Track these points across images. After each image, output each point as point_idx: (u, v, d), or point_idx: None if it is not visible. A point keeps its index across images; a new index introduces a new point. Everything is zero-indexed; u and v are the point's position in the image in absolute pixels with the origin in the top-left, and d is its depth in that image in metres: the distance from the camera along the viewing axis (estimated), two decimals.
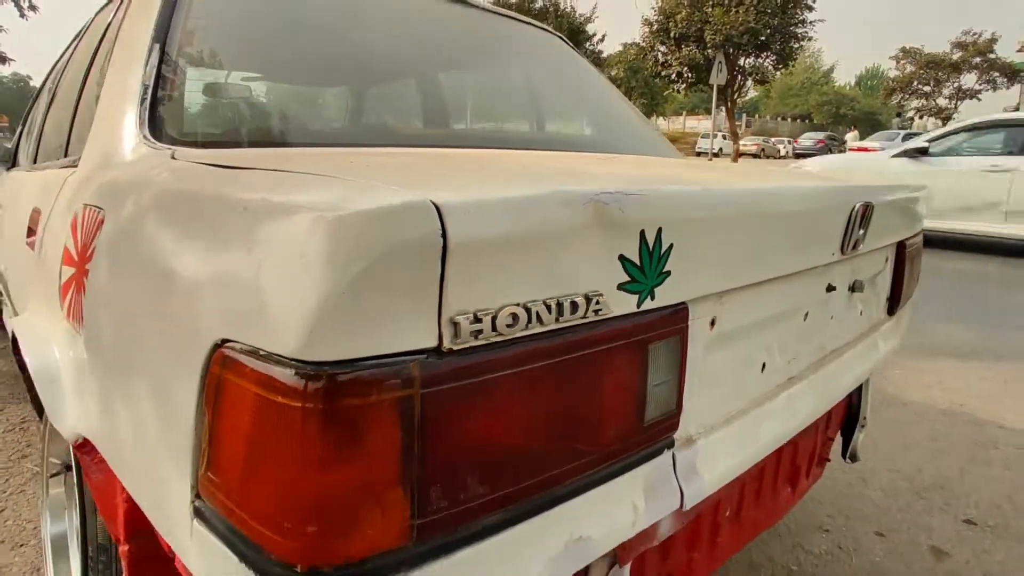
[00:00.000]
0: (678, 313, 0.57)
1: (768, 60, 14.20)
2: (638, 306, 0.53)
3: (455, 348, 0.42)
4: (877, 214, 0.91)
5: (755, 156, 28.35)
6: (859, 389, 1.28)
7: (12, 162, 2.23)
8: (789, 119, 48.43)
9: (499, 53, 1.50)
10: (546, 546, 0.50)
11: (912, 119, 29.38)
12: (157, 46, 0.92)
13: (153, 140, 0.82)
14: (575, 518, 0.52)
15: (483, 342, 0.43)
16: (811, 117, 49.02)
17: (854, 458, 1.34)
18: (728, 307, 0.67)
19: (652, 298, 0.54)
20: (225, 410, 0.44)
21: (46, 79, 2.15)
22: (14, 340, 1.09)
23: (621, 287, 0.51)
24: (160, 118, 0.86)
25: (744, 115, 45.13)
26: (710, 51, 13.45)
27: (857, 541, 1.54)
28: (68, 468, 1.16)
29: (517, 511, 0.48)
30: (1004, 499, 1.76)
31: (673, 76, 14.67)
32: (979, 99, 26.33)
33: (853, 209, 0.82)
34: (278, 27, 1.08)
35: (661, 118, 44.67)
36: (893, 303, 1.21)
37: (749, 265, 0.67)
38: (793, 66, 15.24)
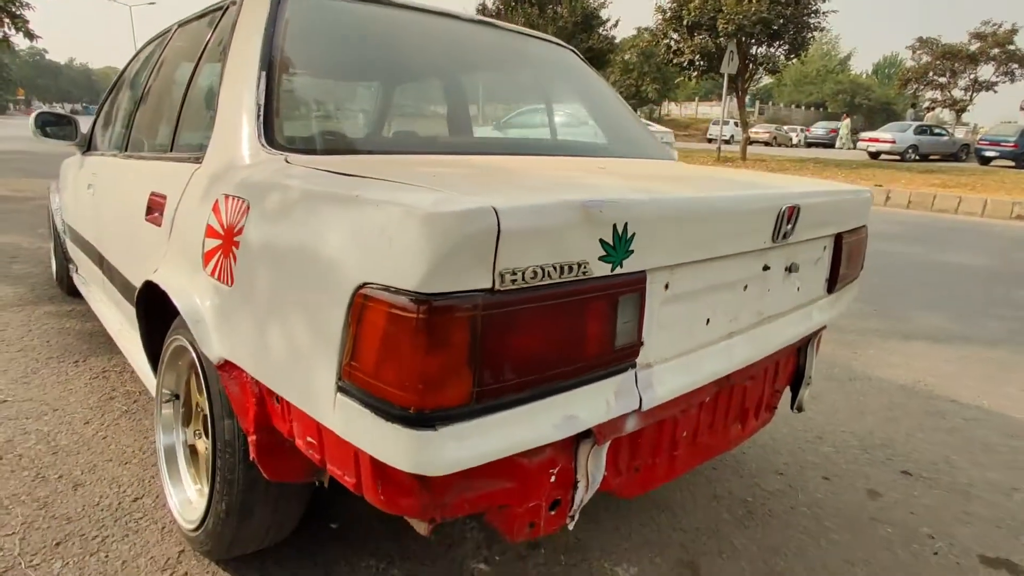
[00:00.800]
0: (639, 278, 0.88)
1: (780, 50, 14.25)
2: (611, 271, 0.84)
3: (501, 289, 0.73)
4: (805, 214, 1.20)
5: (767, 144, 28.26)
6: (805, 351, 1.59)
7: (87, 146, 2.54)
8: (803, 107, 48.02)
9: (532, 75, 1.80)
10: (550, 417, 0.82)
11: (926, 110, 29.17)
12: (264, 73, 1.23)
13: (269, 147, 1.14)
14: (569, 403, 0.84)
15: (517, 287, 0.74)
16: (826, 105, 48.61)
17: (800, 409, 1.64)
18: (678, 276, 0.97)
19: (621, 267, 0.85)
20: (365, 323, 0.75)
21: (122, 74, 2.45)
22: (143, 291, 1.41)
23: (600, 259, 0.82)
24: (272, 130, 1.17)
25: (757, 102, 44.84)
26: (722, 40, 13.55)
27: (805, 483, 1.85)
28: (176, 397, 1.49)
29: (533, 393, 0.80)
30: (941, 459, 2.06)
31: (685, 63, 14.75)
32: (995, 91, 26.11)
33: (780, 210, 1.12)
34: (357, 60, 1.38)
35: (673, 104, 44.47)
36: (832, 283, 1.50)
37: (693, 248, 0.97)
38: (805, 56, 15.23)
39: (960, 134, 25.99)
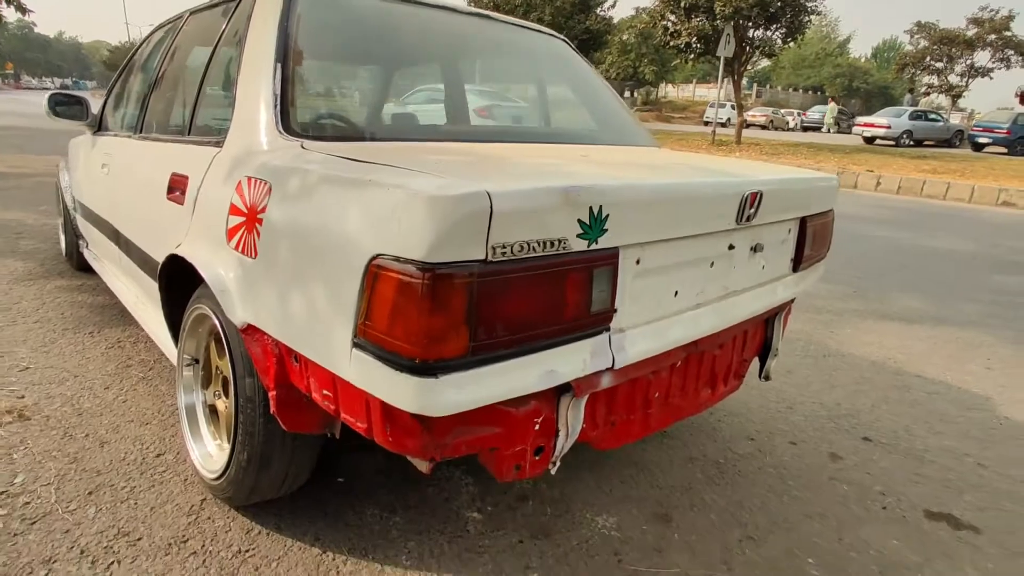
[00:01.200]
0: (612, 253, 1.02)
1: (777, 33, 14.24)
2: (588, 247, 0.97)
3: (492, 260, 0.86)
4: (767, 199, 1.34)
5: (763, 127, 28.28)
6: (772, 324, 1.74)
7: (98, 126, 2.64)
8: (801, 90, 47.85)
9: (525, 66, 1.92)
10: (534, 370, 0.96)
11: (923, 95, 29.17)
12: (279, 65, 1.34)
13: (286, 134, 1.26)
14: (550, 359, 0.98)
15: (506, 258, 0.87)
16: (823, 89, 48.45)
17: (767, 377, 1.80)
18: (649, 252, 1.11)
19: (596, 243, 0.98)
20: (378, 288, 0.88)
21: (132, 58, 2.55)
22: (167, 264, 1.54)
23: (578, 236, 0.95)
24: (288, 118, 1.29)
25: (755, 85, 44.63)
26: (719, 22, 13.54)
27: (774, 447, 2.01)
28: (196, 361, 1.62)
29: (520, 349, 0.94)
30: (901, 427, 2.22)
31: (682, 46, 14.72)
32: (991, 77, 26.16)
33: (744, 196, 1.26)
34: (364, 52, 1.50)
35: (671, 85, 44.24)
36: (797, 263, 1.64)
37: (662, 228, 1.11)
38: (802, 40, 15.22)
39: (956, 120, 26.06)
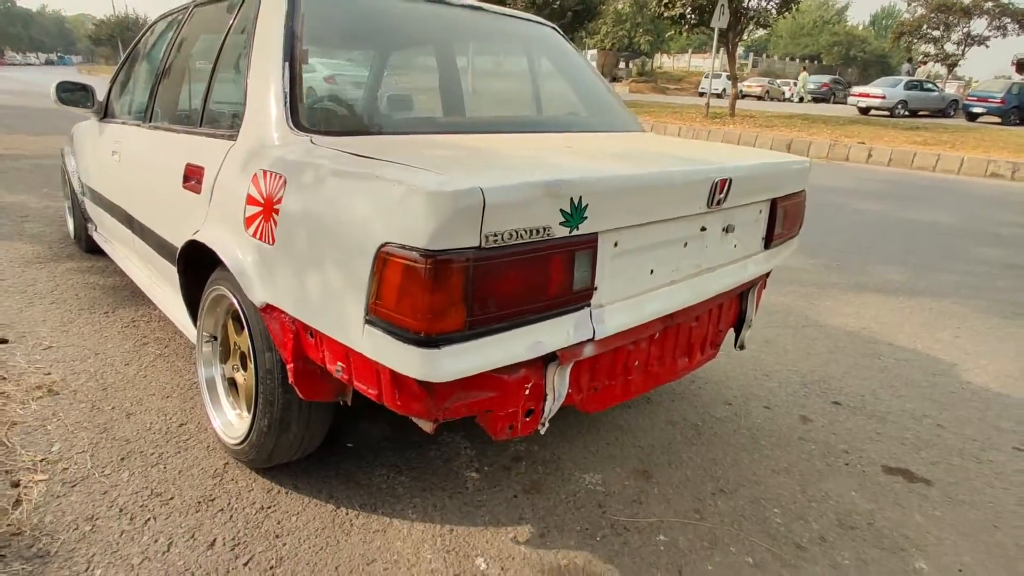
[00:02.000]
0: (591, 238, 1.15)
1: (772, 3, 14.14)
2: (569, 233, 1.10)
3: (486, 247, 1.00)
4: (736, 185, 1.47)
5: (759, 98, 28.12)
6: (746, 298, 1.88)
7: (104, 113, 2.72)
8: (798, 60, 47.38)
9: (518, 57, 2.03)
10: (523, 341, 1.10)
11: (920, 63, 29.00)
12: (287, 64, 1.45)
13: (296, 130, 1.38)
14: (538, 332, 1.12)
15: (497, 245, 1.01)
16: (820, 58, 47.99)
17: (742, 347, 1.95)
18: (625, 235, 1.24)
19: (577, 230, 1.11)
20: (386, 272, 1.02)
21: (135, 47, 2.62)
22: (185, 249, 1.66)
23: (560, 224, 1.08)
24: (297, 115, 1.40)
25: (751, 55, 44.18)
26: None
27: (749, 411, 2.18)
28: (214, 338, 1.76)
29: (510, 324, 1.08)
30: (869, 392, 2.39)
31: (676, 16, 14.60)
32: (987, 46, 26.03)
33: (714, 182, 1.38)
34: (366, 49, 1.60)
35: (666, 56, 43.76)
36: (768, 241, 1.78)
37: (637, 214, 1.24)
38: (796, 10, 15.10)
39: (952, 89, 25.98)
